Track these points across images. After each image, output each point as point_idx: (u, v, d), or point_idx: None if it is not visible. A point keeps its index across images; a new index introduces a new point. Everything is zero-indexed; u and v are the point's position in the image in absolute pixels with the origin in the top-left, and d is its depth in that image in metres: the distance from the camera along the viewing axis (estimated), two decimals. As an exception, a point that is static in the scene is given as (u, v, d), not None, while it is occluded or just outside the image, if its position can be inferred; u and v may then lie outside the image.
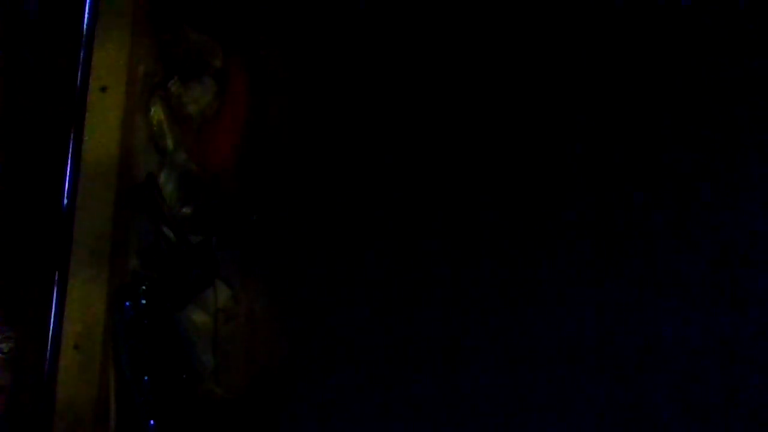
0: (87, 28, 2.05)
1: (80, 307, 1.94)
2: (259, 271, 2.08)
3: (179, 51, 2.14)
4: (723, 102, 2.00)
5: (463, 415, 1.99)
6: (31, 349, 1.95)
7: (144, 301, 1.96)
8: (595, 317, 1.97)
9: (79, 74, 2.04)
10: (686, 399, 1.91)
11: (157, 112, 2.10)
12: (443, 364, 2.00)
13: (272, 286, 2.08)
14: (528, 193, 2.05)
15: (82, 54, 2.04)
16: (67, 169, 2.00)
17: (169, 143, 2.09)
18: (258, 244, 2.09)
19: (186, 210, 2.08)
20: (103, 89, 2.03)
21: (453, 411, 1.99)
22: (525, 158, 2.06)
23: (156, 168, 2.08)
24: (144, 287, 1.97)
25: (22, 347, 1.96)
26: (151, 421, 1.91)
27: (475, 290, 2.03)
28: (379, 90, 2.13)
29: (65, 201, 1.99)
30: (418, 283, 2.04)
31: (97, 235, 1.97)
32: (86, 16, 2.06)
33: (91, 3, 2.06)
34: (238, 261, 2.08)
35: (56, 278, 1.97)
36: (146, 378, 1.92)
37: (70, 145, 2.01)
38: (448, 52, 2.12)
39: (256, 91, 2.16)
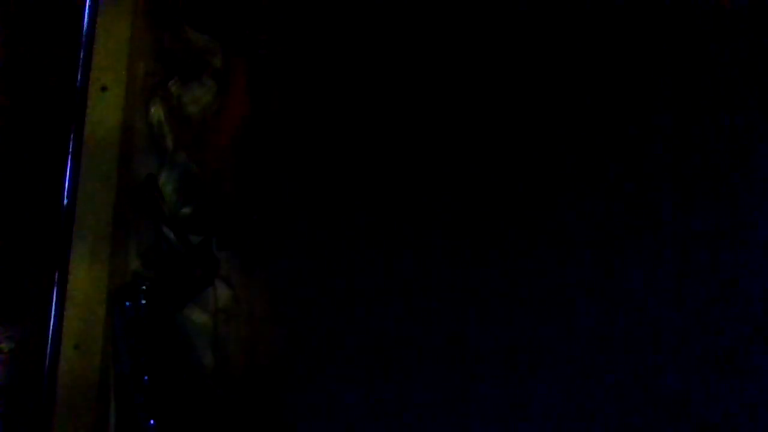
0: (87, 28, 2.05)
1: (80, 307, 1.94)
2: (259, 271, 2.08)
3: (179, 51, 2.14)
4: (725, 104, 2.00)
5: (463, 414, 1.99)
6: (31, 349, 1.95)
7: (144, 301, 1.96)
8: (597, 320, 1.97)
9: (79, 74, 2.03)
10: (687, 400, 1.91)
11: (157, 112, 2.10)
12: (443, 364, 2.01)
13: (272, 286, 2.08)
14: (529, 194, 2.05)
15: (82, 54, 2.04)
16: (67, 169, 2.00)
17: (169, 143, 2.09)
18: (258, 244, 2.09)
19: (186, 210, 2.08)
20: (103, 89, 2.03)
21: (453, 411, 1.99)
22: (527, 161, 2.06)
23: (156, 168, 2.08)
24: (144, 287, 1.97)
25: (22, 347, 1.96)
26: (151, 421, 1.91)
27: (475, 291, 2.03)
28: (379, 90, 2.13)
29: (65, 201, 1.99)
30: (418, 284, 2.04)
31: (97, 235, 1.97)
32: (86, 16, 2.05)
33: (91, 3, 2.06)
34: (238, 261, 2.08)
35: (56, 278, 1.97)
36: (146, 378, 1.92)
37: (70, 145, 2.01)
38: (448, 54, 2.12)
39: (256, 91, 2.16)
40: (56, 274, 1.97)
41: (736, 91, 2.01)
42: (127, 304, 1.95)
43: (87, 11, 2.06)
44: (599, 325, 1.98)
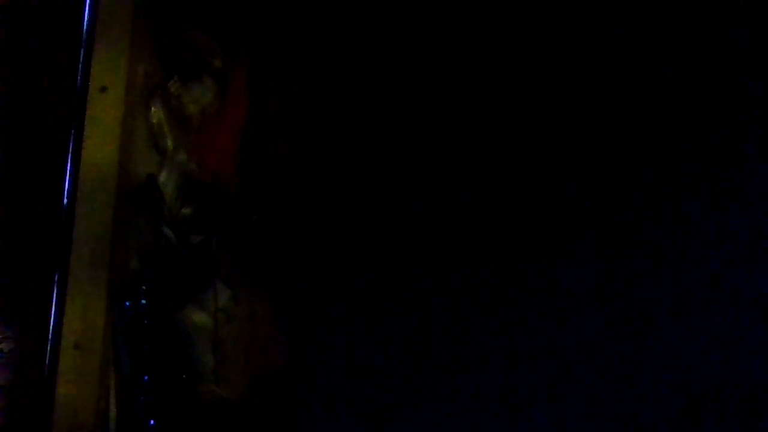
0: (87, 28, 2.05)
1: (80, 307, 1.94)
2: (259, 271, 2.08)
3: (179, 51, 2.14)
4: (724, 105, 2.00)
5: (463, 415, 1.99)
6: (31, 349, 1.95)
7: (144, 301, 1.96)
8: (594, 319, 1.97)
9: (79, 74, 2.04)
10: (684, 399, 1.91)
11: (157, 112, 2.10)
12: (443, 364, 2.00)
13: (272, 286, 2.08)
14: (528, 194, 2.05)
15: (82, 54, 2.04)
16: (67, 169, 2.00)
17: (169, 143, 2.09)
18: (258, 244, 2.09)
19: (186, 210, 2.08)
20: (103, 89, 2.03)
21: (452, 411, 1.99)
22: (526, 161, 2.06)
23: (156, 168, 2.08)
24: (144, 287, 1.97)
25: (22, 347, 1.96)
26: (151, 421, 1.91)
27: (474, 291, 2.03)
28: (379, 91, 2.13)
29: (65, 201, 1.99)
30: (417, 285, 2.04)
31: (97, 235, 1.97)
32: (86, 16, 2.05)
33: (91, 3, 2.06)
34: (238, 261, 2.08)
35: (56, 278, 1.97)
36: (146, 378, 1.92)
37: (70, 145, 2.01)
38: (448, 54, 2.12)
39: (256, 91, 2.16)
40: (56, 274, 1.97)
41: (737, 90, 2.01)
42: (127, 304, 1.95)
43: (87, 11, 2.06)
44: (601, 327, 1.97)
